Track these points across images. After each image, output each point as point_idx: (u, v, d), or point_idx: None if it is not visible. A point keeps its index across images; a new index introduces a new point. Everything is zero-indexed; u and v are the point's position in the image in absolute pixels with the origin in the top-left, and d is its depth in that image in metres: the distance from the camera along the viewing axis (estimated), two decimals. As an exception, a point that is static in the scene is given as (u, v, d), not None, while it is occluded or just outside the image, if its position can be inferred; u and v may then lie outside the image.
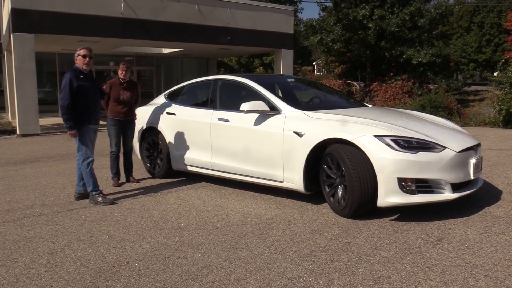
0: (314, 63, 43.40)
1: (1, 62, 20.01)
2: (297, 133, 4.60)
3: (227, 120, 5.30)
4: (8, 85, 17.17)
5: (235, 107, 5.22)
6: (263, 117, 4.95)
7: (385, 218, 4.22)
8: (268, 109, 4.90)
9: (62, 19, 12.07)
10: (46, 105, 16.89)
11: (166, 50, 18.29)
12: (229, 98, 5.69)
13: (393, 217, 4.25)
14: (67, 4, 12.07)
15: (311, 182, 4.63)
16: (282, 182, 4.77)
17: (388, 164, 3.97)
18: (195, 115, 5.75)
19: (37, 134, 12.11)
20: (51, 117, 17.18)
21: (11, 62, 13.60)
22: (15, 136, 12.07)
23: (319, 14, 28.80)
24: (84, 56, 5.05)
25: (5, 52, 17.52)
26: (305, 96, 5.91)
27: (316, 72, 39.80)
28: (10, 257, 3.53)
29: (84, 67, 5.07)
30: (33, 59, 11.90)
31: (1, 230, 4.19)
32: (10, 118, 17.08)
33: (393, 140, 4.06)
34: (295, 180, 4.63)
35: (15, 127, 13.30)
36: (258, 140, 4.93)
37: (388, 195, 3.99)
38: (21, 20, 11.69)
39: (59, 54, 18.16)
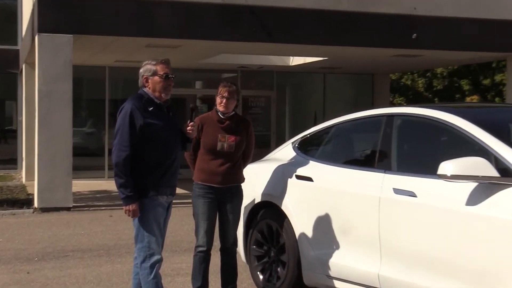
0: None
1: (16, 82, 22.20)
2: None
3: (411, 194, 5.32)
4: (25, 121, 18.76)
5: (428, 169, 5.25)
6: (486, 189, 4.88)
7: None
8: (496, 173, 4.81)
9: (119, 9, 13.23)
10: (85, 156, 18.15)
11: (296, 61, 18.89)
12: (415, 151, 5.82)
13: None
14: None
15: None
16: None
17: None
18: (350, 182, 5.89)
19: (68, 209, 13.01)
20: (93, 178, 18.21)
21: (32, 83, 15.11)
22: (31, 210, 13.12)
23: None
24: (162, 76, 5.40)
25: (23, 66, 19.40)
26: None
27: None
28: None
29: (163, 95, 5.44)
30: (68, 77, 13.08)
31: None
32: (24, 179, 18.53)
33: None
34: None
35: (32, 194, 14.50)
36: (476, 235, 4.86)
37: None
38: (53, 13, 13.02)
39: (111, 69, 19.61)
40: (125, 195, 5.24)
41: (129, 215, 5.30)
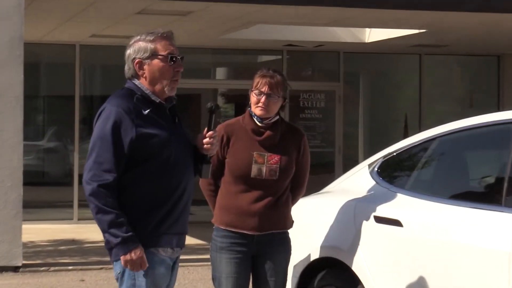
0: None
1: None
2: None
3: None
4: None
5: None
6: None
7: None
8: None
9: None
10: (43, 186, 18.31)
11: (375, 35, 18.77)
12: None
13: None
14: None
15: None
16: None
17: None
18: (461, 228, 5.80)
19: (16, 269, 12.86)
20: (55, 220, 18.15)
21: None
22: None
23: None
24: (166, 59, 5.07)
25: None
26: None
27: None
28: None
29: (166, 89, 5.10)
30: (18, 62, 12.86)
31: None
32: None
33: None
34: None
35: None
36: None
37: None
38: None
39: (84, 48, 19.63)
40: (121, 237, 4.83)
41: (132, 269, 4.92)
